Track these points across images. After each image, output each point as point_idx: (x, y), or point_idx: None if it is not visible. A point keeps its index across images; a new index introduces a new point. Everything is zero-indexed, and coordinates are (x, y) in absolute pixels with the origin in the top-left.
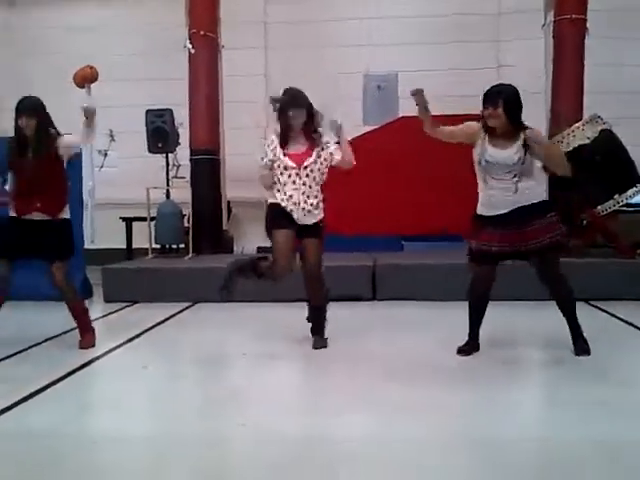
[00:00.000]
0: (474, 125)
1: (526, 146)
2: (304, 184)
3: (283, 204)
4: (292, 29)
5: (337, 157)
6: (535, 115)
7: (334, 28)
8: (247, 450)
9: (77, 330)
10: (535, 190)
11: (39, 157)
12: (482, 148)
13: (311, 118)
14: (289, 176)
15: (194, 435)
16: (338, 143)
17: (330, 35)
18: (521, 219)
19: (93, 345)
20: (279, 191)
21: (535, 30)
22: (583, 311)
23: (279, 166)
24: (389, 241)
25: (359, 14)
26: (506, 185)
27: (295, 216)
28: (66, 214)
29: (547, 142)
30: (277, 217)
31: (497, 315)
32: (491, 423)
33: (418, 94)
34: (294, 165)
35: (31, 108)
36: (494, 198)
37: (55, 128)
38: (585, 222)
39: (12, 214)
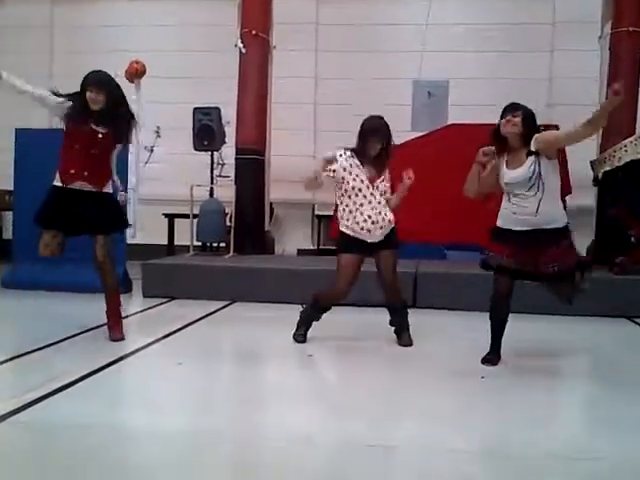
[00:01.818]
0: (494, 161)
1: (537, 154)
2: (379, 203)
3: (360, 226)
4: (343, 32)
5: (393, 200)
6: None
7: (386, 32)
8: (276, 451)
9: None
10: (556, 214)
11: (100, 130)
12: (502, 172)
13: (386, 148)
14: (364, 196)
15: (225, 434)
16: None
17: (382, 39)
18: (537, 242)
19: (123, 338)
20: (354, 216)
21: (590, 42)
22: (625, 327)
23: (353, 188)
24: (432, 249)
25: (412, 19)
26: (529, 204)
27: (370, 238)
28: (110, 189)
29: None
30: (346, 243)
31: (533, 328)
32: (513, 435)
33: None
34: (368, 184)
35: (102, 81)
36: (515, 216)
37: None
38: (633, 239)
39: (57, 183)
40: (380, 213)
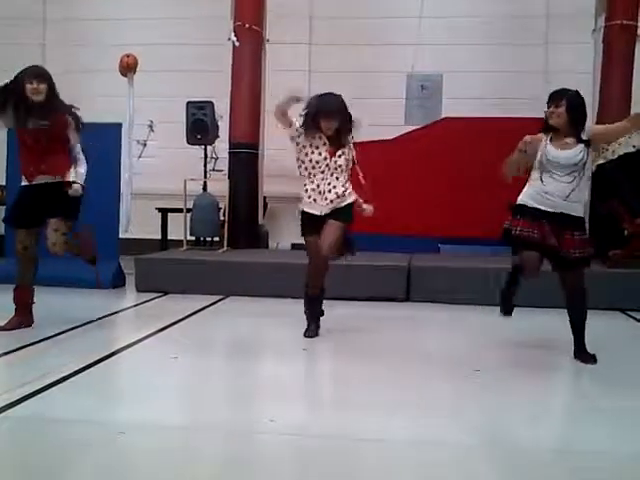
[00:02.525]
0: (537, 135)
1: (587, 144)
2: (332, 175)
3: (309, 194)
4: (338, 25)
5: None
6: None
7: (380, 25)
8: (273, 446)
9: (109, 317)
10: (580, 207)
11: (45, 122)
12: (544, 149)
13: (344, 125)
14: (319, 167)
15: (220, 427)
16: None
17: (376, 32)
18: (561, 225)
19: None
20: (305, 183)
21: (584, 35)
22: (619, 320)
23: (310, 160)
24: (425, 242)
25: (405, 13)
26: (562, 188)
27: (315, 209)
28: (74, 177)
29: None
30: (307, 225)
31: (526, 321)
32: (511, 428)
33: None
34: (326, 155)
35: (42, 74)
36: (545, 196)
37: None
38: (626, 233)
39: (23, 183)
40: (329, 184)
